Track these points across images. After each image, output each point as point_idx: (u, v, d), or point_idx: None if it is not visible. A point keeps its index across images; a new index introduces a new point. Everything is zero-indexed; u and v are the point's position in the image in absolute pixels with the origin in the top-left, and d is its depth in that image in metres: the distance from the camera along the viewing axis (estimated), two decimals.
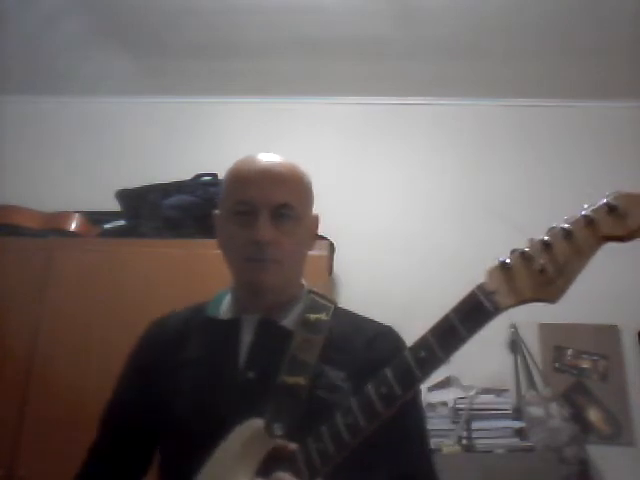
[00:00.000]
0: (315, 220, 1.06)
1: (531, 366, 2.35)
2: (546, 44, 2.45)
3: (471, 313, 0.76)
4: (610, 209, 0.71)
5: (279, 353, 0.92)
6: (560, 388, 2.33)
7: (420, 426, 0.99)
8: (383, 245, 2.57)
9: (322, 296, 1.05)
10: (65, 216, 2.37)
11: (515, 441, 2.04)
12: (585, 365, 2.38)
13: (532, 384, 2.31)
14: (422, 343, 0.77)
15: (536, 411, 2.11)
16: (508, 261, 0.76)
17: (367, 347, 0.95)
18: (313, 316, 0.98)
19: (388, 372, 0.78)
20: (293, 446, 0.80)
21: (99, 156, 2.82)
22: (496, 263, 0.77)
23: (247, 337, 0.96)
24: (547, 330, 2.40)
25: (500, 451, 2.01)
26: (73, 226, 2.35)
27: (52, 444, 1.89)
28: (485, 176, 2.71)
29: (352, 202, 2.64)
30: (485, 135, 2.78)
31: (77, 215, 2.38)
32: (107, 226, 2.42)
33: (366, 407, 0.77)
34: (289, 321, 0.98)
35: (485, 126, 2.79)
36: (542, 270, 0.73)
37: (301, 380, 0.89)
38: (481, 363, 2.16)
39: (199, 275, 2.06)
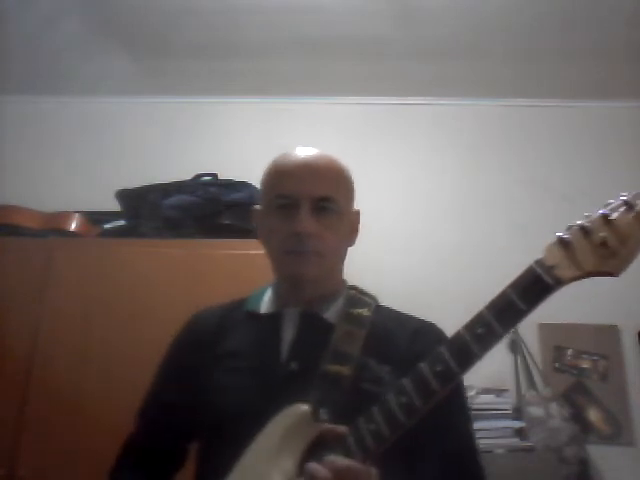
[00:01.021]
0: (356, 216, 1.07)
1: (531, 366, 2.35)
2: (546, 44, 2.45)
3: (530, 288, 0.75)
4: None
5: (322, 345, 0.92)
6: (560, 388, 2.33)
7: (465, 409, 0.97)
8: (383, 245, 2.57)
9: (364, 293, 1.05)
10: (65, 216, 2.37)
11: (515, 441, 2.04)
12: (585, 365, 2.38)
13: (532, 384, 2.31)
14: (478, 319, 0.76)
15: (536, 411, 2.11)
16: (566, 236, 0.75)
17: (411, 341, 0.95)
18: (355, 311, 0.98)
19: (444, 350, 0.76)
20: (342, 429, 0.78)
21: (99, 156, 2.82)
22: (554, 239, 0.76)
23: (289, 330, 0.97)
24: (547, 330, 2.40)
25: (500, 451, 2.01)
26: (73, 226, 2.35)
27: (52, 444, 1.89)
28: (485, 176, 2.71)
29: None
30: (485, 135, 2.78)
31: (77, 215, 2.38)
32: (107, 226, 2.42)
33: (421, 386, 0.76)
34: (331, 314, 0.98)
35: (485, 126, 2.79)
36: (603, 243, 0.73)
37: (344, 370, 0.88)
38: (481, 363, 2.16)
39: (199, 275, 2.06)
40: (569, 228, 0.76)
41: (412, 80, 2.73)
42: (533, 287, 0.75)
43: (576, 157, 2.70)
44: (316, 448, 0.79)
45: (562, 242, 0.75)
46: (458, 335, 0.77)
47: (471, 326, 0.76)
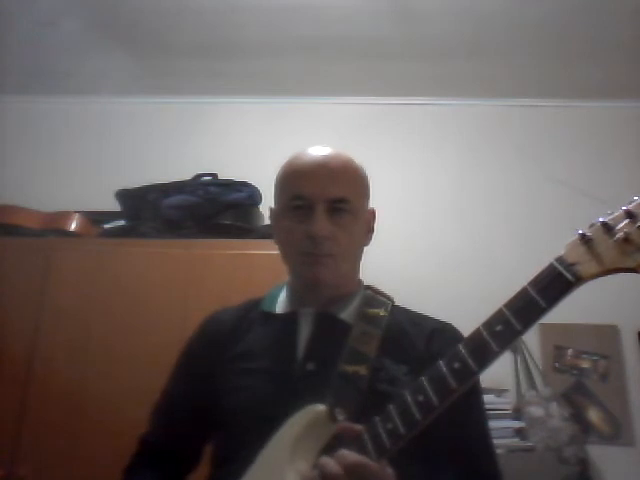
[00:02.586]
0: (371, 215, 1.06)
1: (531, 366, 2.35)
2: (546, 44, 2.45)
3: (550, 285, 0.73)
4: None
5: (338, 345, 0.92)
6: (560, 388, 2.33)
7: (482, 409, 0.97)
8: (382, 245, 2.56)
9: (380, 293, 1.04)
10: (65, 216, 2.37)
11: (515, 441, 2.04)
12: (585, 365, 2.38)
13: (532, 384, 2.31)
14: (497, 317, 0.74)
15: (536, 411, 2.11)
16: (588, 233, 0.74)
17: (427, 342, 0.95)
18: (371, 311, 0.98)
19: (461, 348, 0.75)
20: (358, 427, 0.77)
21: (99, 156, 2.82)
22: (575, 236, 0.74)
23: (305, 330, 0.97)
24: (547, 330, 2.39)
25: (500, 451, 2.01)
26: (73, 226, 2.35)
27: (52, 444, 1.89)
28: (485, 176, 2.71)
29: None
30: (485, 135, 2.78)
31: (77, 215, 2.38)
32: (107, 226, 2.42)
33: (438, 384, 0.75)
34: (347, 314, 0.98)
35: (485, 126, 2.79)
36: (627, 239, 0.71)
37: (361, 370, 0.88)
38: None
39: (199, 275, 2.06)
40: (591, 225, 0.74)
41: (412, 80, 2.73)
42: (553, 284, 0.73)
43: (576, 157, 2.70)
44: (332, 448, 0.78)
45: (583, 239, 0.74)
46: (476, 333, 0.75)
47: (490, 324, 0.75)
